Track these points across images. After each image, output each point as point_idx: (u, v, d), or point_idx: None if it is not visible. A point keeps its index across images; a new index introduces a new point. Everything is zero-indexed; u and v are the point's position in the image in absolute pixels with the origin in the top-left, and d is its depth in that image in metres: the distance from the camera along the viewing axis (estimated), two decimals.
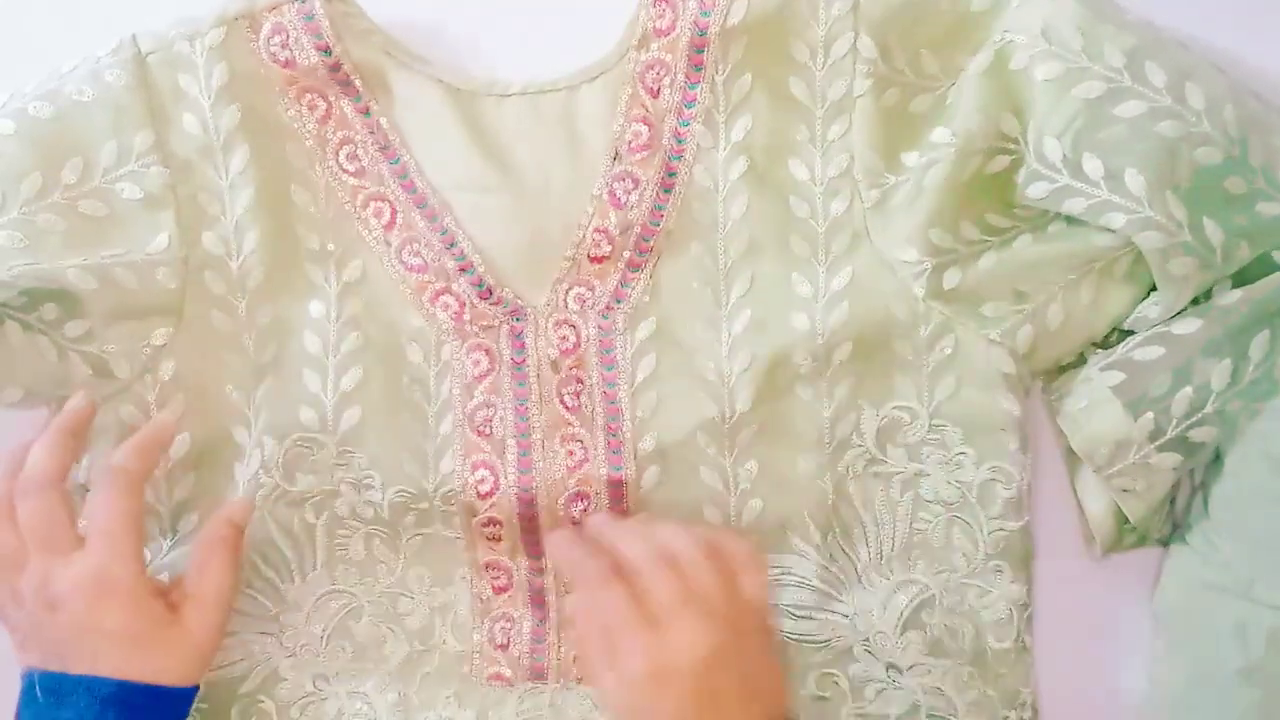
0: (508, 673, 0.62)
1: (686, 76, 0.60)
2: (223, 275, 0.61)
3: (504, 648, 0.62)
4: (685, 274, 0.61)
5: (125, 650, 0.53)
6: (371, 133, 0.60)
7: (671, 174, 0.60)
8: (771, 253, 0.61)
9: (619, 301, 0.61)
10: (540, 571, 0.62)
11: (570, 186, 0.61)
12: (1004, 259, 0.59)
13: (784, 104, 0.60)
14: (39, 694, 0.53)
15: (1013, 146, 0.58)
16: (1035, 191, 0.57)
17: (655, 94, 0.60)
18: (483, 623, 0.62)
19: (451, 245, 0.60)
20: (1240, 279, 0.57)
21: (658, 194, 0.60)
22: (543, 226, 0.61)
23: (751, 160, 0.60)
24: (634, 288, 0.61)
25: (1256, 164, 0.55)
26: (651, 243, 0.61)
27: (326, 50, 0.59)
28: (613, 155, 0.60)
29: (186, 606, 0.56)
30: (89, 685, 0.52)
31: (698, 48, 0.59)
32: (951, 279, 0.59)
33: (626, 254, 0.61)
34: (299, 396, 0.61)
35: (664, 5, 0.59)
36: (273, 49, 0.59)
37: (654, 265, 0.61)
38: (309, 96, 0.60)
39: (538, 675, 0.62)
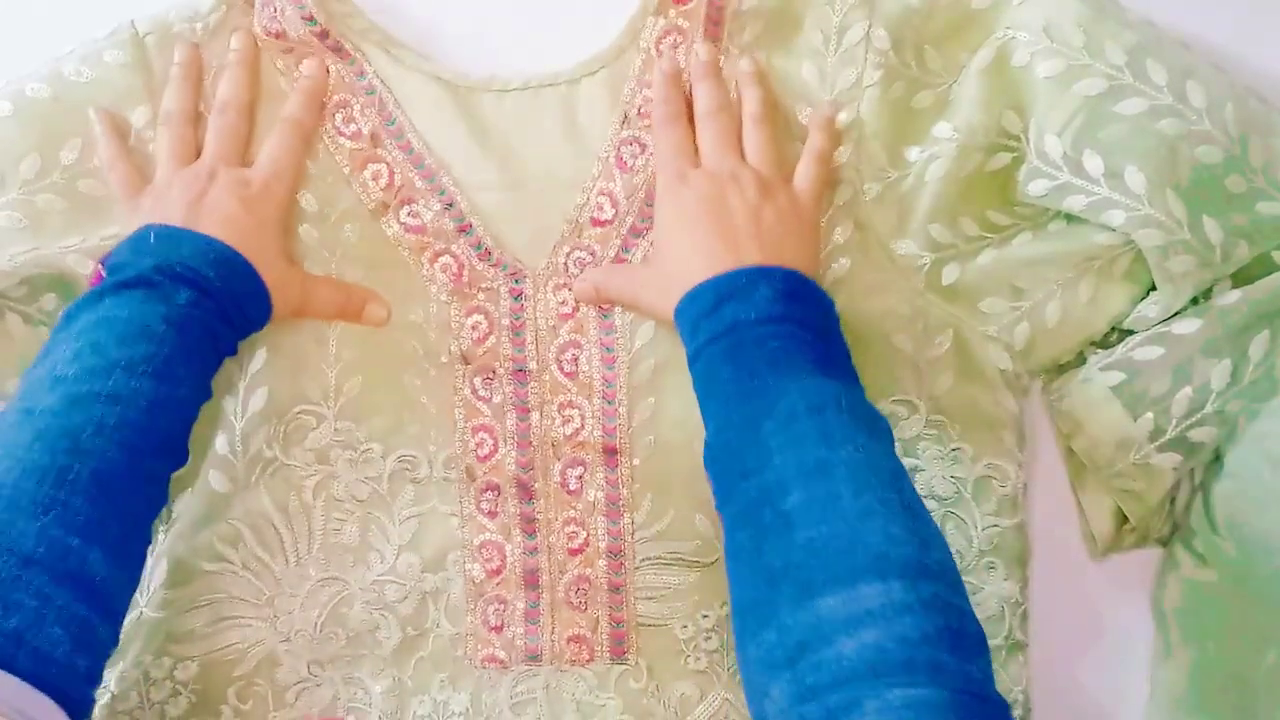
0: (502, 655, 0.62)
1: (703, 46, 0.61)
2: None
3: (498, 630, 0.63)
4: None
5: (247, 238, 0.58)
6: (367, 93, 0.62)
7: None
8: None
9: None
10: (534, 551, 0.63)
11: (572, 179, 0.62)
12: (1003, 256, 0.60)
13: (793, 87, 0.61)
14: (152, 239, 0.57)
15: (1014, 143, 0.59)
16: (1036, 189, 0.58)
17: (671, 61, 0.62)
18: (476, 606, 0.63)
19: (450, 206, 0.62)
20: (1240, 279, 0.58)
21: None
22: (545, 217, 0.63)
23: None
24: (635, 254, 0.62)
25: (1257, 163, 0.56)
26: (655, 209, 0.62)
27: (311, 20, 0.61)
28: (621, 119, 0.62)
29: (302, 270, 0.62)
30: (208, 241, 0.57)
31: (715, 21, 0.61)
32: (950, 274, 0.60)
33: (630, 219, 0.62)
34: (300, 367, 0.63)
35: None
36: (265, 21, 0.62)
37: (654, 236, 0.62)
38: (301, 59, 0.62)
39: (532, 657, 0.62)
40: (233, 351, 0.59)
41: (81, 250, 0.60)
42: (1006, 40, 0.58)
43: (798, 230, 0.58)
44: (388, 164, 0.63)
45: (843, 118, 0.61)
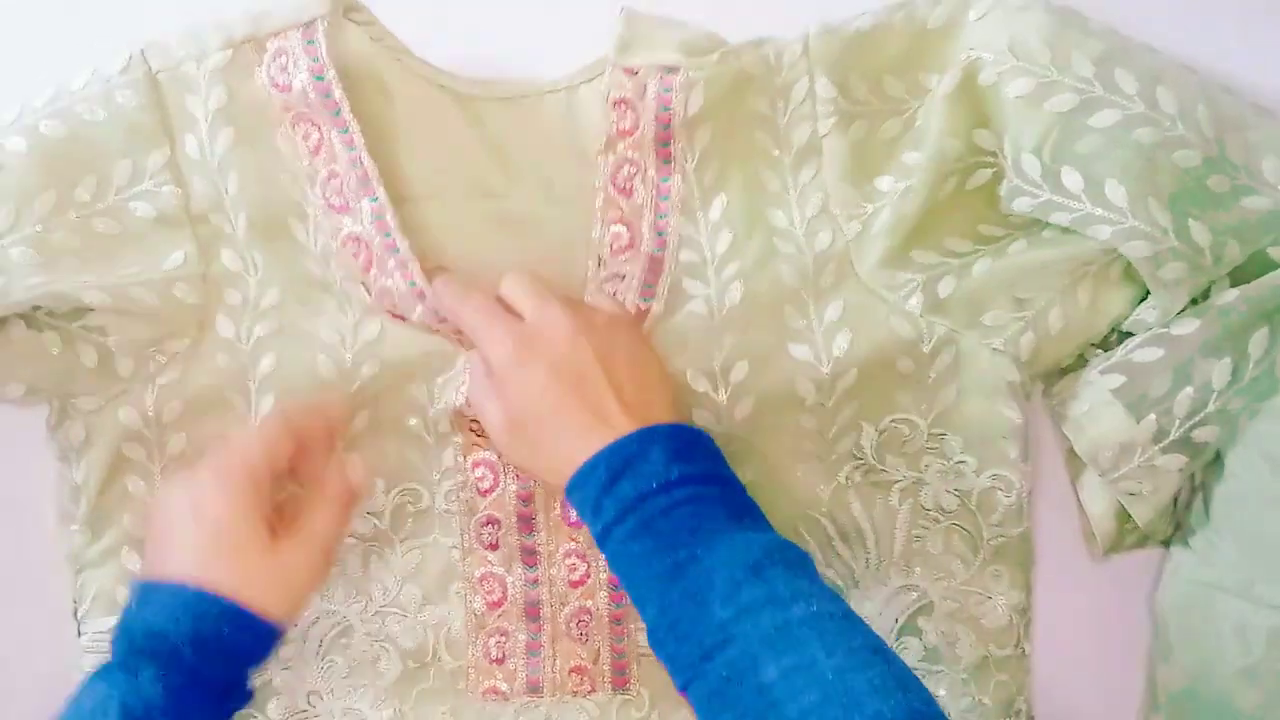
0: (504, 687, 0.64)
1: (657, 171, 0.61)
2: (240, 290, 0.63)
3: (499, 662, 0.64)
4: (680, 329, 0.62)
5: (211, 557, 0.55)
6: (353, 167, 0.61)
7: (657, 264, 0.62)
8: (766, 299, 0.61)
9: None
10: (535, 583, 0.64)
11: (572, 188, 0.62)
12: (999, 265, 0.60)
13: (755, 161, 0.62)
14: (131, 600, 0.56)
15: (991, 159, 0.59)
16: (1020, 206, 0.58)
17: (629, 193, 0.62)
18: (477, 638, 0.64)
19: (422, 298, 0.61)
20: (1238, 278, 0.58)
21: (644, 284, 0.62)
22: (544, 229, 0.63)
23: (735, 231, 0.62)
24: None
25: (1237, 160, 0.57)
26: (644, 318, 0.62)
27: (320, 75, 0.60)
28: (596, 262, 0.62)
29: (286, 539, 0.57)
30: (172, 590, 0.54)
31: (663, 141, 0.61)
32: (946, 287, 0.60)
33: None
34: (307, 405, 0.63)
35: (624, 106, 0.61)
36: (273, 73, 0.61)
37: (648, 329, 0.62)
38: (303, 126, 0.62)
39: (534, 689, 0.64)
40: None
41: (99, 287, 0.60)
42: (972, 60, 0.58)
43: (648, 364, 0.58)
44: (366, 243, 0.62)
45: (807, 174, 0.61)
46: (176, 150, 0.62)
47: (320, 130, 0.61)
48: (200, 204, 0.62)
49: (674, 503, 0.52)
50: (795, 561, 0.52)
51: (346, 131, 0.61)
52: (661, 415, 0.56)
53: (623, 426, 0.54)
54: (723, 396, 0.61)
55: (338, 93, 0.60)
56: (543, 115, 0.63)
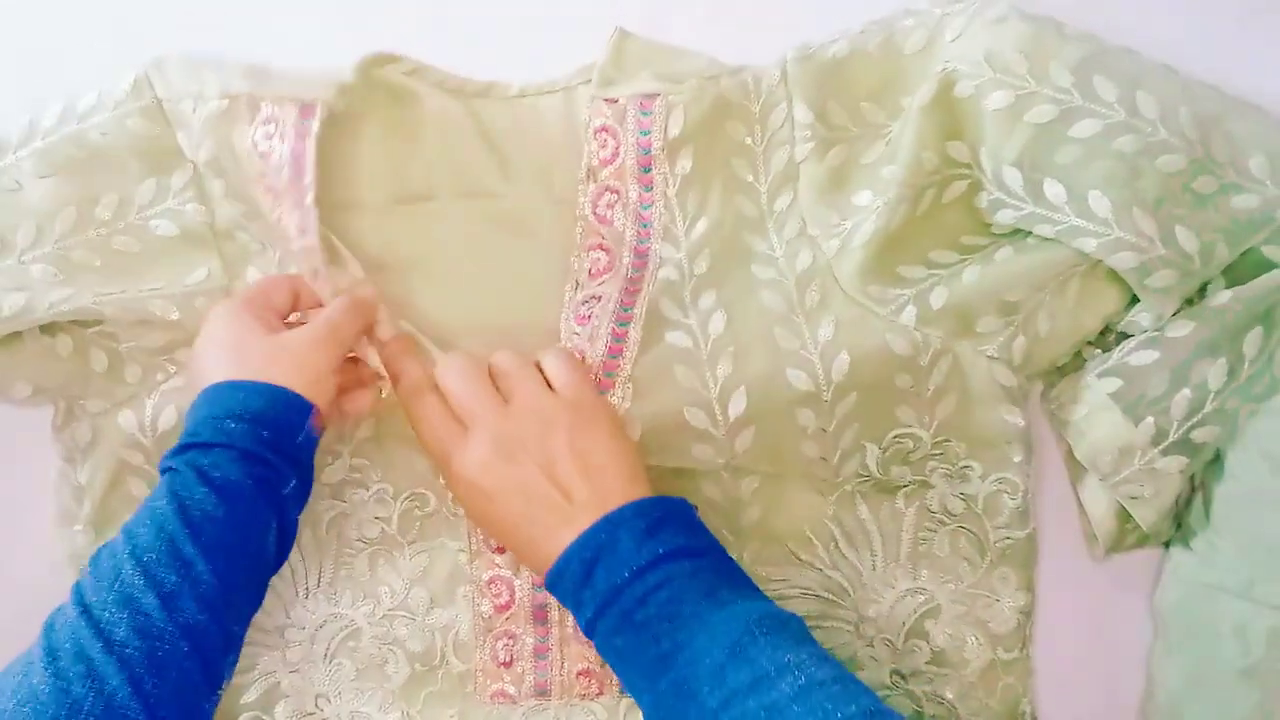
0: (511, 690, 0.64)
1: (638, 198, 0.62)
2: None
3: (507, 665, 0.64)
4: (664, 362, 0.61)
5: (217, 365, 0.57)
6: (308, 256, 0.61)
7: (635, 284, 0.62)
8: (753, 325, 0.61)
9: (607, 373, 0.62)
10: (543, 586, 0.63)
11: (571, 188, 0.63)
12: (988, 272, 0.60)
13: (734, 188, 0.62)
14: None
15: (966, 170, 0.59)
16: (1004, 218, 0.59)
17: (608, 222, 0.62)
18: (485, 641, 0.64)
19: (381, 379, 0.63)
20: (1233, 277, 0.58)
21: (621, 306, 0.62)
22: (542, 229, 0.64)
23: (715, 257, 0.62)
24: (616, 379, 0.62)
25: (1223, 158, 0.57)
26: (622, 345, 0.62)
27: (300, 155, 0.60)
28: (574, 286, 0.63)
29: (291, 330, 0.58)
30: (203, 396, 0.56)
31: (644, 166, 0.61)
32: (939, 298, 0.61)
33: (599, 358, 0.62)
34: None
35: (605, 135, 0.61)
36: (258, 137, 0.61)
37: (631, 361, 0.62)
38: (270, 197, 0.62)
39: (541, 692, 0.64)
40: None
41: (119, 300, 0.61)
42: (948, 72, 0.58)
43: (597, 445, 0.57)
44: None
45: (783, 201, 0.62)
46: (199, 170, 0.63)
47: (281, 207, 0.61)
48: (225, 221, 0.63)
49: (649, 589, 0.52)
50: (779, 629, 0.51)
51: (306, 214, 0.61)
52: (625, 492, 0.55)
53: (584, 521, 0.54)
54: (722, 430, 0.61)
55: (309, 178, 0.60)
56: (542, 115, 0.63)
